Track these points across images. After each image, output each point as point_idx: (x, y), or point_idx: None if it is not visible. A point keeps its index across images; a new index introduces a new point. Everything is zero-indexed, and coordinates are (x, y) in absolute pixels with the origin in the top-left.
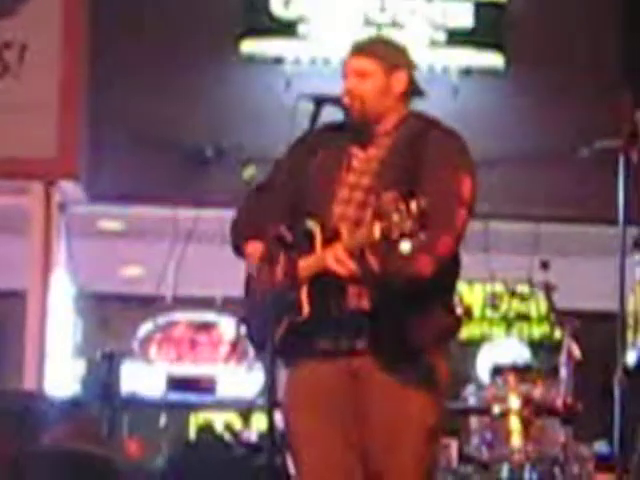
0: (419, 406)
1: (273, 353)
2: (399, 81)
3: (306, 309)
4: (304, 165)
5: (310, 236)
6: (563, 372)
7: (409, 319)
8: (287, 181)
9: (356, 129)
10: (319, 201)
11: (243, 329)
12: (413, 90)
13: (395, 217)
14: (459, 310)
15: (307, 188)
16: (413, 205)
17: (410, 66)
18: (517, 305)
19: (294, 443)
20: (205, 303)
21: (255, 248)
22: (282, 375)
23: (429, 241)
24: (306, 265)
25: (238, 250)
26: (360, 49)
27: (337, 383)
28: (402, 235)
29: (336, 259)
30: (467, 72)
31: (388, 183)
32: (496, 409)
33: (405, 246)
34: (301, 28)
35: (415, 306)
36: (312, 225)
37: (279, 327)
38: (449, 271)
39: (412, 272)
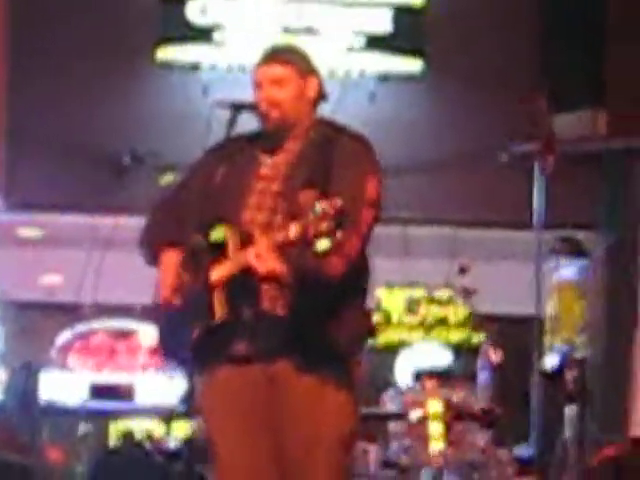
0: (335, 412)
1: (190, 359)
2: (312, 87)
3: (219, 313)
4: (215, 173)
5: (223, 241)
6: (482, 376)
7: (324, 322)
8: (199, 190)
9: (268, 136)
10: (230, 208)
11: (156, 338)
12: (321, 96)
13: (311, 217)
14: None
15: (218, 196)
16: (329, 205)
17: (318, 71)
18: (436, 310)
19: (212, 450)
20: (124, 311)
21: (170, 257)
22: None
23: (337, 242)
24: (221, 269)
25: (151, 259)
26: (274, 57)
27: (253, 389)
28: (318, 234)
29: (257, 255)
30: (385, 78)
31: (297, 187)
32: (415, 414)
33: (321, 245)
34: (217, 35)
35: (329, 309)
36: (225, 230)
37: (194, 333)
38: (359, 272)
39: (323, 273)
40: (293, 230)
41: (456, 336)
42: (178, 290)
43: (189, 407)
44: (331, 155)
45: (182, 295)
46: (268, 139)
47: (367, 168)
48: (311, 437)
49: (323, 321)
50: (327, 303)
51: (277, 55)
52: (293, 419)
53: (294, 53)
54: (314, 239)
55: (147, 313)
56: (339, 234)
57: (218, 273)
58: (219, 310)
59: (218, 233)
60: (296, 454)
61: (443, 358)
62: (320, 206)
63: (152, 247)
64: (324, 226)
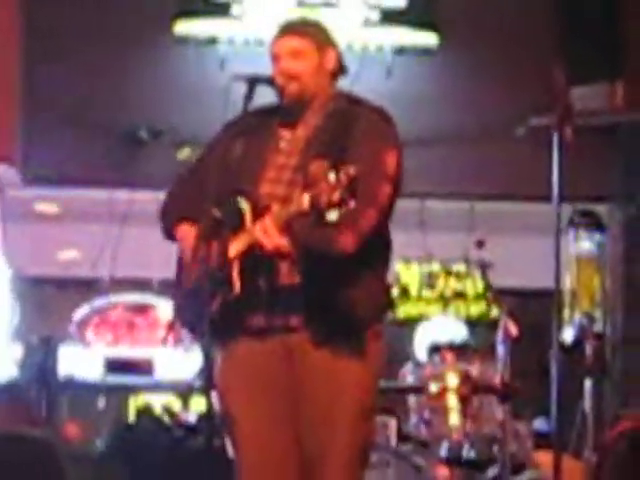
0: (354, 383)
1: (208, 333)
2: (330, 60)
3: (237, 286)
4: (233, 148)
5: (241, 214)
6: (500, 350)
7: (341, 294)
8: (217, 164)
9: (287, 110)
10: (248, 182)
11: (173, 311)
12: (340, 69)
13: (324, 186)
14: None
15: (236, 170)
16: (342, 174)
17: (337, 44)
18: (453, 284)
19: (230, 424)
20: (142, 285)
21: (187, 231)
22: (218, 355)
23: (352, 217)
24: (237, 242)
25: (169, 233)
26: (291, 29)
27: (272, 361)
28: (330, 204)
29: (263, 230)
30: (400, 51)
31: (315, 160)
32: (434, 387)
33: (333, 215)
34: (234, 8)
35: (345, 280)
36: (242, 203)
37: (213, 306)
38: (377, 245)
39: (334, 247)
40: (306, 200)
41: (474, 310)
42: (196, 263)
43: (206, 381)
44: (350, 128)
45: (199, 268)
46: (286, 113)
47: (386, 141)
48: (330, 408)
49: (340, 293)
50: (342, 275)
51: (294, 27)
52: (312, 390)
53: (311, 25)
54: (327, 209)
55: (165, 287)
56: (352, 203)
57: (235, 246)
58: (236, 283)
59: (235, 206)
60: (316, 425)
61: (461, 332)
62: (333, 175)
63: (171, 221)
64: (337, 195)
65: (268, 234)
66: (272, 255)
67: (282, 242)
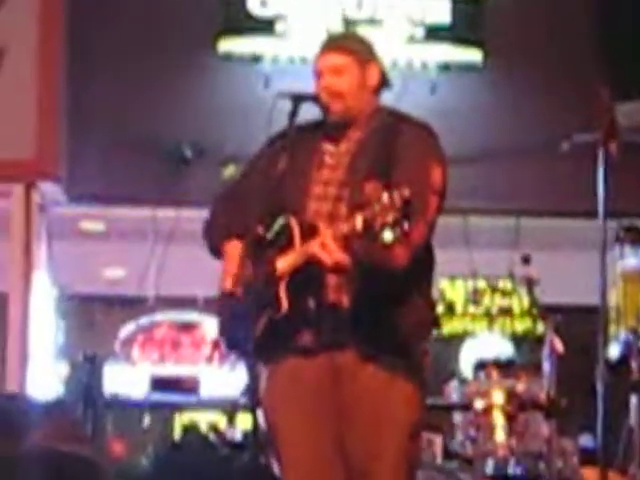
0: (402, 401)
1: (254, 351)
2: (373, 75)
3: (285, 304)
4: (277, 164)
5: (288, 232)
6: (546, 366)
7: (389, 311)
8: (261, 181)
9: (331, 126)
10: (294, 199)
11: (218, 329)
12: (384, 83)
13: (377, 207)
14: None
15: (281, 187)
16: (396, 195)
17: (380, 59)
18: (499, 300)
19: (277, 442)
20: (187, 303)
21: (234, 248)
22: (264, 374)
23: (404, 232)
24: (285, 261)
25: (215, 250)
26: (333, 45)
27: (319, 380)
28: (384, 225)
29: (322, 246)
30: (445, 68)
31: (361, 176)
32: (479, 404)
33: (387, 236)
34: (279, 26)
35: (394, 298)
36: (290, 220)
37: (258, 325)
38: (424, 261)
39: (388, 265)
40: (359, 221)
41: (520, 326)
42: (241, 280)
43: (252, 399)
44: (395, 143)
45: (245, 286)
46: (331, 129)
47: (432, 156)
48: (378, 425)
49: (388, 311)
50: (392, 293)
51: (336, 43)
52: (359, 409)
53: (353, 41)
54: (380, 230)
55: (210, 305)
56: (406, 225)
57: (283, 264)
58: (284, 301)
59: (282, 223)
60: (363, 443)
61: (506, 348)
62: (387, 196)
63: (215, 239)
64: (390, 217)
65: (328, 249)
66: (332, 270)
67: (343, 257)
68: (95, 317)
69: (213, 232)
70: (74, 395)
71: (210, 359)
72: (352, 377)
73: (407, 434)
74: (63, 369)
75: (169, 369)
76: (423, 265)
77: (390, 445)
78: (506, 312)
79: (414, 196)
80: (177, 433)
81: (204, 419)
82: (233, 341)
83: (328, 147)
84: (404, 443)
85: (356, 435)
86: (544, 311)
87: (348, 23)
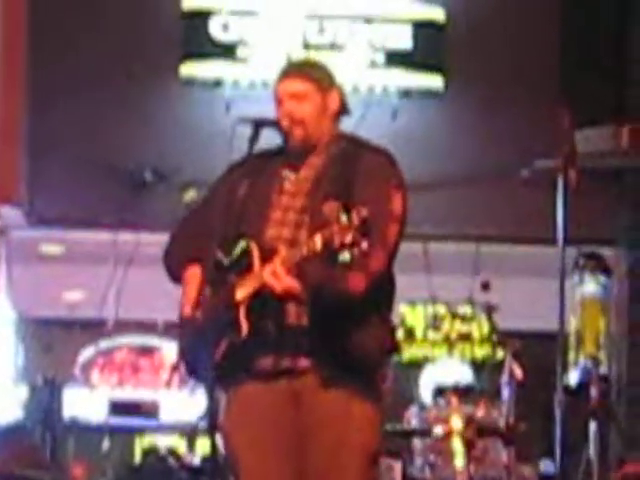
0: (361, 427)
1: (213, 376)
2: (333, 101)
3: (245, 329)
4: (238, 190)
5: (247, 256)
6: (505, 392)
7: (348, 336)
8: (221, 207)
9: (291, 153)
10: (254, 224)
11: (178, 354)
12: (343, 109)
13: (335, 227)
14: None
15: (241, 213)
16: (354, 214)
17: (339, 86)
18: (459, 326)
19: (236, 467)
20: (147, 327)
21: (193, 275)
22: (223, 398)
23: (362, 258)
24: (245, 285)
25: (174, 276)
26: (293, 72)
27: (278, 405)
28: (343, 246)
29: (272, 273)
30: (406, 93)
31: (320, 202)
32: (438, 430)
33: (345, 256)
34: (240, 51)
35: (353, 322)
36: (249, 244)
37: (218, 349)
38: (384, 287)
39: (345, 289)
40: (318, 241)
41: (480, 352)
42: (201, 306)
43: (211, 423)
44: (354, 169)
45: (205, 311)
46: (291, 155)
47: (392, 182)
48: (337, 451)
49: (347, 336)
50: (351, 317)
51: (296, 70)
52: (319, 433)
53: (313, 67)
54: (339, 250)
55: (170, 329)
56: (364, 244)
57: (243, 289)
58: (244, 326)
59: (242, 247)
60: (321, 469)
61: (466, 374)
62: (345, 216)
63: (175, 265)
64: (349, 237)
65: (278, 277)
66: (282, 297)
67: (292, 284)
68: (54, 340)
69: (173, 258)
70: (33, 419)
71: (169, 383)
72: (311, 402)
73: (366, 459)
74: (22, 393)
75: (129, 393)
76: (383, 290)
77: (349, 470)
78: (466, 338)
79: (374, 224)
80: (137, 457)
81: (164, 443)
82: (193, 366)
83: (288, 174)
84: (363, 468)
85: (315, 460)
86: (503, 337)
87: (310, 48)
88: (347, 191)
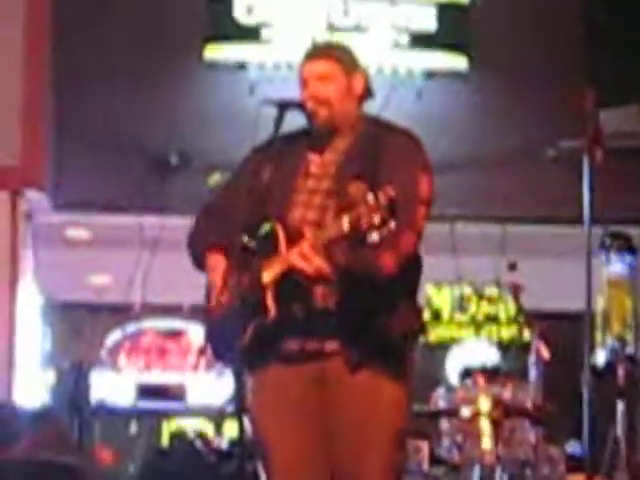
0: (388, 408)
1: (240, 359)
2: (358, 83)
3: (272, 311)
4: (262, 173)
5: (273, 239)
6: (532, 373)
7: (376, 318)
8: (246, 191)
9: (316, 134)
10: (279, 207)
11: (204, 337)
12: (368, 92)
13: (363, 208)
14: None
15: (266, 196)
16: (381, 194)
17: (364, 68)
18: (485, 307)
19: (264, 450)
20: (173, 311)
21: (217, 260)
22: (250, 381)
23: (392, 240)
24: (271, 268)
25: (198, 262)
26: (318, 53)
27: (305, 387)
28: (371, 226)
29: (301, 255)
30: (431, 75)
31: (347, 185)
32: (466, 411)
33: (374, 237)
34: (264, 33)
35: (381, 304)
36: (274, 226)
37: (245, 332)
38: (411, 269)
39: (376, 270)
40: (345, 222)
41: (506, 333)
42: (228, 291)
43: (238, 406)
44: (380, 152)
45: (232, 295)
46: (316, 137)
47: (418, 164)
48: (363, 434)
49: (376, 316)
50: (379, 298)
51: (321, 51)
52: (344, 418)
53: (338, 49)
54: (367, 231)
55: (196, 313)
56: (392, 224)
57: (269, 272)
58: (271, 309)
59: (268, 229)
60: (349, 452)
61: (493, 355)
62: (372, 197)
63: (199, 251)
64: (377, 217)
65: (307, 258)
66: (312, 279)
67: (322, 265)
68: (81, 325)
69: (196, 244)
70: (61, 403)
71: (196, 366)
72: (338, 384)
73: (393, 440)
74: (50, 377)
75: (155, 376)
76: (410, 272)
77: (376, 451)
78: (492, 319)
79: (402, 205)
80: (164, 440)
81: (191, 426)
82: (220, 349)
83: (313, 157)
84: (390, 449)
85: (343, 442)
86: (530, 318)
87: (333, 30)
88: (373, 173)
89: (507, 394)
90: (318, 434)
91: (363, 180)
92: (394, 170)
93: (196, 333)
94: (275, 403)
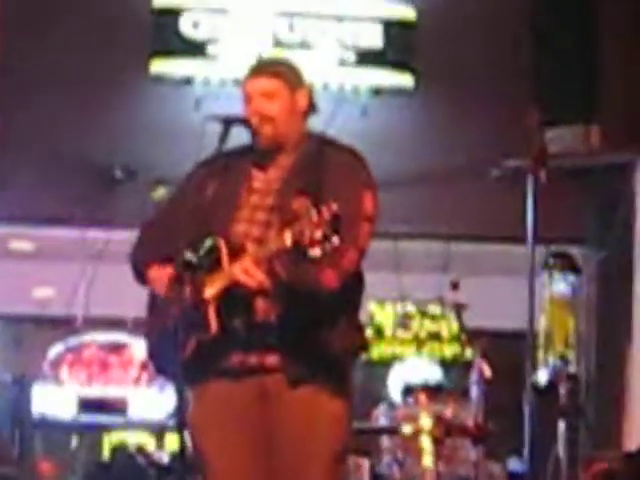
0: (329, 425)
1: (182, 373)
2: (302, 99)
3: (214, 326)
4: (206, 188)
5: (215, 253)
6: (474, 391)
7: (317, 333)
8: (190, 206)
9: (261, 151)
10: (222, 223)
11: (146, 352)
12: (312, 108)
13: (306, 223)
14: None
15: (209, 211)
16: (324, 210)
17: (308, 84)
18: (428, 325)
19: (204, 464)
20: (116, 324)
21: (159, 272)
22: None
23: (334, 256)
24: (214, 283)
25: (141, 277)
26: (262, 69)
27: (246, 403)
28: (313, 242)
29: (244, 270)
30: (376, 92)
31: (290, 202)
32: (407, 429)
33: (315, 252)
34: (210, 49)
35: (322, 320)
36: (217, 241)
37: (187, 347)
38: (353, 286)
39: (317, 284)
40: (288, 237)
41: (449, 351)
42: (169, 304)
43: (180, 421)
44: (324, 169)
45: (173, 309)
46: (260, 154)
47: (362, 182)
48: (304, 450)
49: (317, 332)
50: (321, 314)
51: (265, 68)
52: (285, 433)
53: (282, 65)
54: (309, 245)
55: (139, 326)
56: (335, 240)
57: (212, 287)
58: (213, 323)
59: (210, 245)
60: (289, 468)
61: (435, 373)
62: (315, 212)
63: (141, 265)
64: (319, 232)
65: (250, 273)
66: (254, 294)
67: (264, 280)
68: (23, 337)
69: (139, 258)
70: (2, 415)
71: (138, 380)
72: (279, 399)
73: (333, 457)
74: None
75: (97, 390)
76: (352, 289)
77: (316, 468)
78: (435, 337)
79: (345, 223)
80: (105, 454)
81: (132, 440)
82: (161, 363)
83: (257, 173)
84: (330, 466)
85: (283, 458)
86: (472, 336)
87: (279, 46)
88: (317, 191)
89: (449, 412)
90: (259, 449)
91: (307, 196)
92: (337, 187)
93: (139, 347)
94: (216, 418)
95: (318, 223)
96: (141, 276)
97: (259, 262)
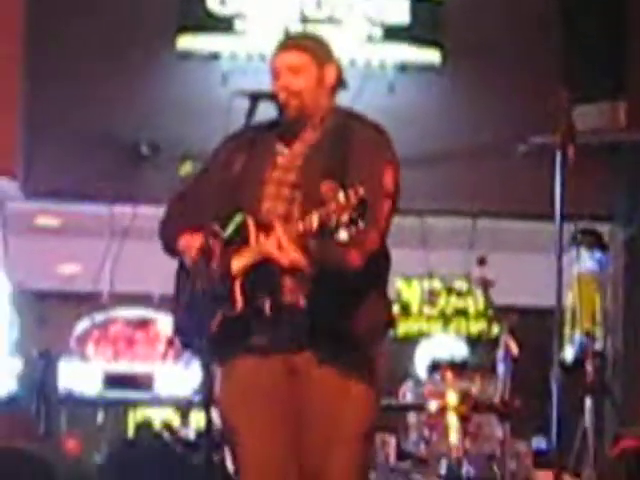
0: (356, 402)
1: (208, 349)
2: (330, 74)
3: (240, 303)
4: (233, 163)
5: (244, 230)
6: (500, 368)
7: (344, 313)
8: (217, 181)
9: (287, 126)
10: (248, 198)
11: (173, 327)
12: (340, 83)
13: (333, 207)
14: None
15: (237, 187)
16: (351, 194)
17: (337, 59)
18: (455, 301)
19: (233, 442)
20: (142, 300)
21: (190, 242)
22: (219, 372)
23: (357, 237)
24: (241, 258)
25: (170, 249)
26: (291, 44)
27: (273, 380)
28: (340, 225)
29: (278, 246)
30: (403, 68)
31: (314, 178)
32: (433, 405)
33: (342, 235)
34: (237, 24)
35: (349, 299)
36: (246, 218)
37: (213, 322)
38: (378, 264)
39: (343, 264)
40: (315, 220)
41: (475, 327)
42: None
43: (206, 397)
44: (348, 144)
45: (200, 282)
46: (286, 128)
47: (385, 158)
48: (332, 428)
49: (344, 312)
50: (347, 294)
51: (294, 42)
52: (314, 410)
53: (311, 40)
54: (336, 229)
55: (165, 302)
56: (361, 223)
57: (238, 262)
58: (239, 301)
59: (238, 221)
60: (317, 445)
61: (461, 349)
62: (342, 196)
63: (171, 239)
64: (346, 216)
65: (284, 249)
66: (286, 270)
67: (298, 257)
68: (50, 313)
69: (168, 230)
70: (28, 391)
71: (164, 356)
72: (306, 379)
73: (360, 434)
74: (17, 365)
75: (123, 366)
76: (379, 266)
77: (344, 447)
78: (461, 313)
79: (368, 201)
80: (130, 430)
81: (158, 416)
82: (188, 338)
83: (282, 148)
84: (357, 443)
85: (311, 436)
86: (499, 313)
87: (307, 22)
88: (341, 167)
89: (475, 389)
90: (288, 424)
91: (330, 175)
92: (360, 163)
93: (165, 323)
94: (245, 393)
95: (345, 207)
96: (171, 249)
97: (292, 239)
